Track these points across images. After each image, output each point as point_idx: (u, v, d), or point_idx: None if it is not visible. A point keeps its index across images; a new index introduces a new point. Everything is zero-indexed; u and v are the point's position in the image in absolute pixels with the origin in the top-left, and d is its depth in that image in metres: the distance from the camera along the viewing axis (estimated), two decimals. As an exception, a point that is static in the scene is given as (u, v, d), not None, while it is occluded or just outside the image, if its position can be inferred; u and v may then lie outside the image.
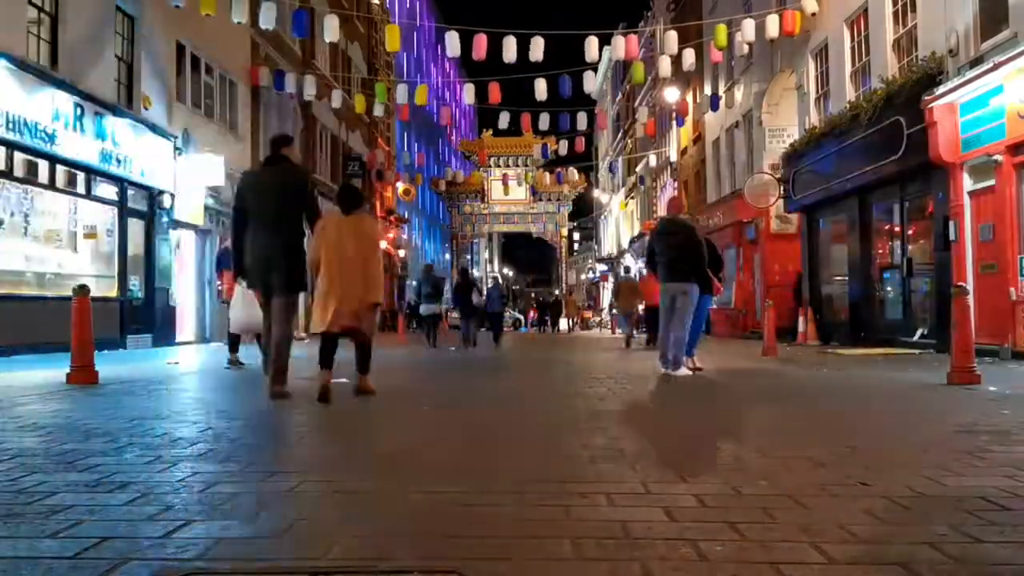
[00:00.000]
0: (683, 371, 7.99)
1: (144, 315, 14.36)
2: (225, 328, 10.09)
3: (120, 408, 5.23)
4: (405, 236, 41.31)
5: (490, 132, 40.16)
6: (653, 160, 37.48)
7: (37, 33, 11.91)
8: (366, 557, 1.99)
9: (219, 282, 9.95)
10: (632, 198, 43.53)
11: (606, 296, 53.72)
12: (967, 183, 11.43)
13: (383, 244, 9.79)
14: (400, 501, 2.59)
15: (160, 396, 6.24)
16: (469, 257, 50.83)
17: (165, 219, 15.14)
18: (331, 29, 16.59)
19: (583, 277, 71.94)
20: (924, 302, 13.14)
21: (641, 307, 16.86)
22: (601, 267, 58.63)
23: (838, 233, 16.79)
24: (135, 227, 14.42)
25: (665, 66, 18.45)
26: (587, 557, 1.99)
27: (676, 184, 32.28)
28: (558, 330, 35.44)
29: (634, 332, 17.33)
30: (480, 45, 16.37)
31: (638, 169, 42.05)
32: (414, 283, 31.17)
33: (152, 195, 14.84)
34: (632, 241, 42.21)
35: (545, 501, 2.57)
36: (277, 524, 2.29)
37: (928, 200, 12.65)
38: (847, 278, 16.18)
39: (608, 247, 54.32)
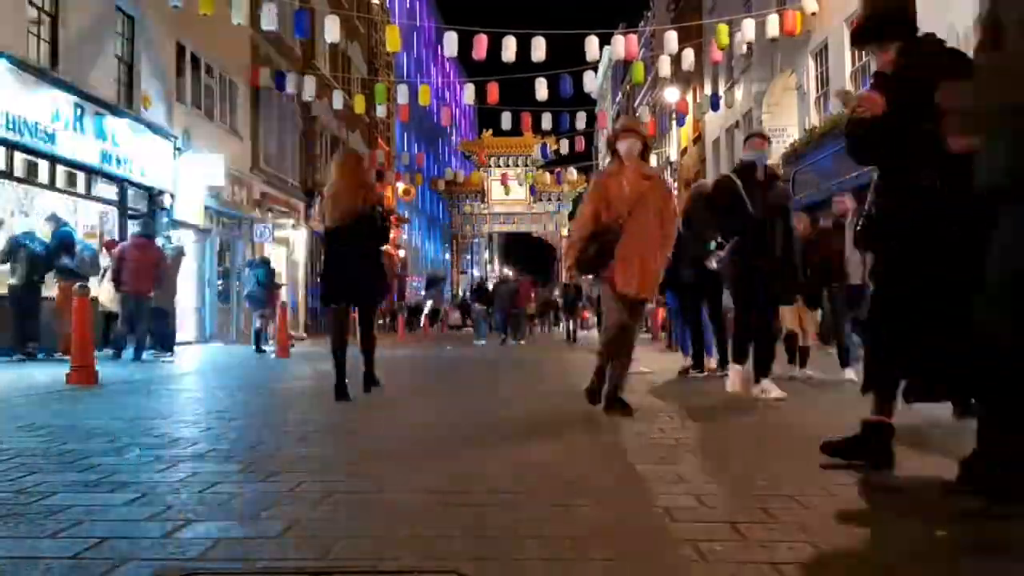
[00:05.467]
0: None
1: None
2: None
3: (120, 408, 5.23)
4: (405, 236, 41.30)
5: (490, 132, 40.17)
6: (653, 160, 37.50)
7: (37, 33, 11.91)
8: (366, 557, 1.99)
9: None
10: (632, 198, 43.47)
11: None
12: (967, 183, 11.44)
13: None
14: (400, 501, 2.59)
15: (160, 396, 6.24)
16: (469, 257, 50.82)
17: (165, 219, 15.12)
18: (332, 30, 16.59)
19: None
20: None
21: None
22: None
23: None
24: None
25: (665, 66, 18.46)
26: (587, 557, 1.99)
27: (676, 184, 32.30)
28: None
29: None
30: (480, 45, 16.38)
31: (638, 169, 42.00)
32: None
33: (152, 195, 14.83)
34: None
35: (545, 501, 2.57)
36: (277, 524, 2.29)
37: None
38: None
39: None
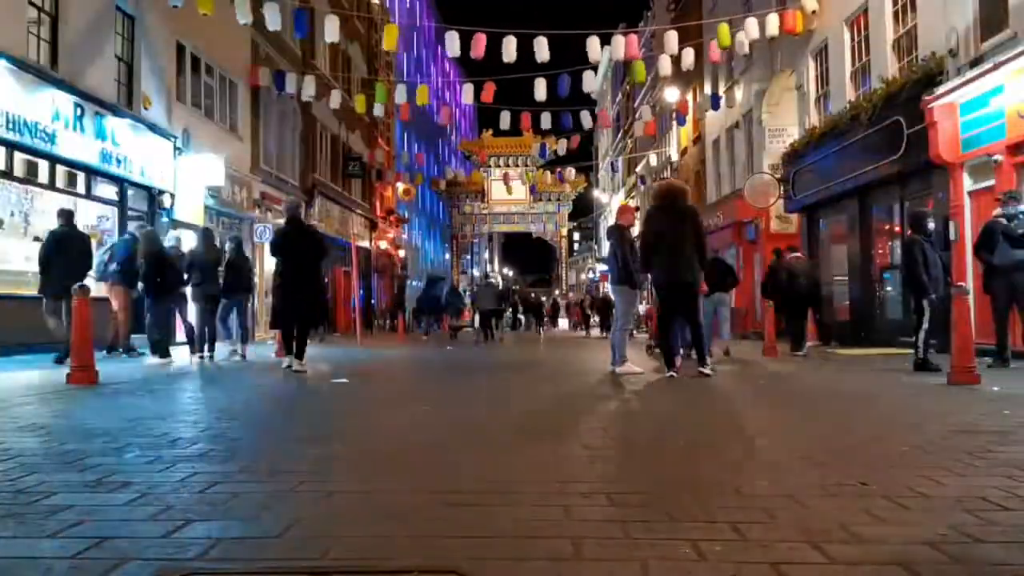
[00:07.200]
0: (626, 367, 8.08)
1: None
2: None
3: (120, 408, 5.23)
4: (405, 236, 41.29)
5: (490, 132, 40.13)
6: (653, 160, 37.49)
7: (37, 33, 11.91)
8: (366, 557, 1.99)
9: None
10: (632, 198, 43.53)
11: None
12: (967, 183, 11.43)
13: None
14: (400, 501, 2.59)
15: (160, 396, 6.23)
16: (469, 257, 50.79)
17: (165, 219, 15.12)
18: (331, 29, 16.59)
19: (583, 277, 71.97)
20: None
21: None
22: (601, 267, 58.61)
23: (838, 233, 16.79)
24: (135, 227, 14.41)
25: (665, 65, 18.44)
26: (587, 557, 1.99)
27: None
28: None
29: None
30: (480, 45, 16.37)
31: (638, 169, 42.05)
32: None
33: (152, 195, 14.84)
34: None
35: (545, 501, 2.57)
36: (277, 524, 2.29)
37: (928, 200, 12.65)
38: (847, 278, 16.17)
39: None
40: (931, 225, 8.83)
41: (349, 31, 25.74)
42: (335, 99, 21.29)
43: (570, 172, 39.36)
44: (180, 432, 4.15)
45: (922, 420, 4.68)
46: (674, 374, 7.53)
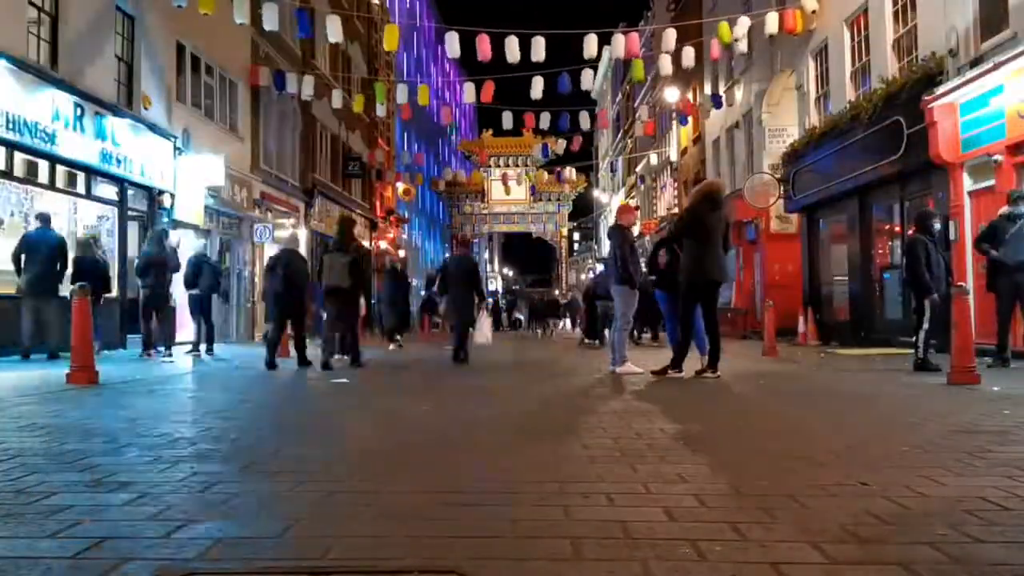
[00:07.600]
0: (626, 367, 8.15)
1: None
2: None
3: (120, 408, 5.23)
4: (405, 236, 41.28)
5: (490, 132, 40.14)
6: (653, 159, 37.49)
7: (37, 33, 11.90)
8: (366, 557, 1.99)
9: None
10: (632, 198, 43.55)
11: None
12: (967, 183, 11.43)
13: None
14: (400, 501, 2.59)
15: (160, 396, 6.24)
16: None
17: (165, 219, 15.13)
18: (333, 30, 16.58)
19: (583, 277, 71.98)
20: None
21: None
22: (601, 267, 58.57)
23: (838, 233, 16.79)
24: (135, 227, 14.42)
25: (665, 65, 18.43)
26: (587, 557, 1.99)
27: (676, 184, 32.29)
28: None
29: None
30: (480, 45, 16.37)
31: (638, 169, 42.06)
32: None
33: (152, 195, 14.84)
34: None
35: (545, 501, 2.57)
36: (277, 524, 2.29)
37: (928, 200, 12.65)
38: (847, 278, 16.18)
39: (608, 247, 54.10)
40: (937, 226, 8.91)
41: (349, 31, 25.73)
42: (335, 99, 21.29)
43: (570, 172, 39.33)
44: (180, 432, 4.15)
45: (922, 420, 4.68)
46: (681, 374, 7.58)
